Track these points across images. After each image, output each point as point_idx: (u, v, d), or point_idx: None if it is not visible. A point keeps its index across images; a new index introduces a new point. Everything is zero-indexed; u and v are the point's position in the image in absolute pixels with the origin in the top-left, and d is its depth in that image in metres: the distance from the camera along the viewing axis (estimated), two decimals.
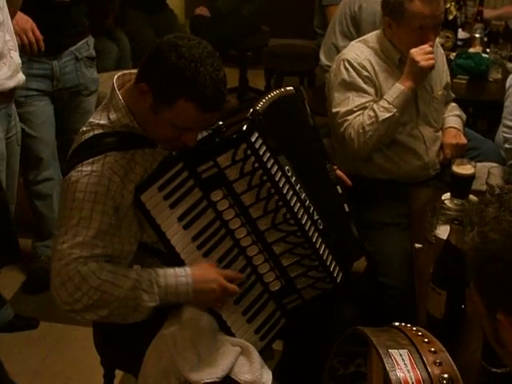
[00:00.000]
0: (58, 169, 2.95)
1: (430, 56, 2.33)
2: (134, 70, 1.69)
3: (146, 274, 1.65)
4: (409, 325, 1.19)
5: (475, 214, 1.12)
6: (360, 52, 2.45)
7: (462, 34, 3.82)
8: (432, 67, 2.36)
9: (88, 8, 2.92)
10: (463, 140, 2.54)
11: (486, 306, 1.12)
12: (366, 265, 2.62)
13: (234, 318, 1.77)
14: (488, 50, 3.48)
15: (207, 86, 1.55)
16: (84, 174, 1.61)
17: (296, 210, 1.72)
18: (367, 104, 2.36)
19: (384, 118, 2.31)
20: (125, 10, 4.25)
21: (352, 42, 2.59)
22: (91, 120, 1.71)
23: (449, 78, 2.70)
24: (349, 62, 2.41)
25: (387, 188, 2.47)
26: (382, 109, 2.32)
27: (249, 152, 1.62)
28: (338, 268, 1.83)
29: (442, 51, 2.71)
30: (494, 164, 2.42)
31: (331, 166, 2.01)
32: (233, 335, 1.76)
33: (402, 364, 1.05)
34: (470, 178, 2.15)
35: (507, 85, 2.58)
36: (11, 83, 2.35)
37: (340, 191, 2.01)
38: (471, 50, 3.49)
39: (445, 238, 1.68)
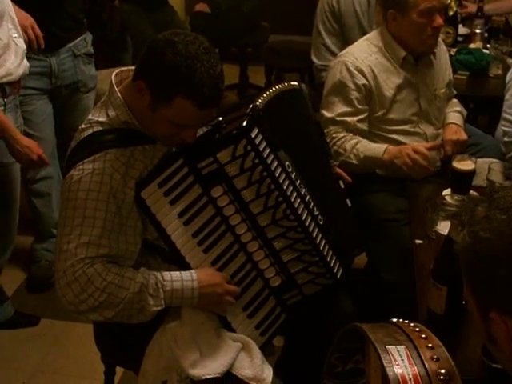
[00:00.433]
0: (57, 167, 2.94)
1: (413, 163, 2.23)
2: (133, 67, 1.68)
3: (152, 278, 1.63)
4: (406, 321, 1.18)
5: (465, 214, 1.11)
6: (360, 53, 2.44)
7: (462, 29, 3.80)
8: (406, 167, 2.26)
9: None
10: (464, 136, 2.54)
11: (478, 305, 1.11)
12: (367, 260, 2.63)
13: (234, 314, 1.77)
14: (488, 45, 3.47)
15: (204, 82, 1.54)
16: (86, 173, 1.60)
17: (296, 206, 1.72)
18: (350, 116, 2.37)
19: (348, 159, 2.34)
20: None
21: (359, 40, 2.58)
22: (90, 117, 1.70)
23: (451, 75, 2.70)
24: (346, 66, 2.41)
25: (387, 184, 2.46)
26: (354, 151, 2.34)
27: (249, 148, 1.61)
28: (338, 263, 1.84)
29: (445, 48, 2.70)
30: (495, 160, 2.42)
31: (333, 161, 2.01)
32: (233, 331, 1.76)
33: (399, 360, 1.05)
34: (471, 173, 2.15)
35: (507, 79, 2.57)
36: (20, 70, 2.36)
37: (342, 186, 2.01)
38: (472, 46, 3.48)
39: (445, 233, 1.68)
